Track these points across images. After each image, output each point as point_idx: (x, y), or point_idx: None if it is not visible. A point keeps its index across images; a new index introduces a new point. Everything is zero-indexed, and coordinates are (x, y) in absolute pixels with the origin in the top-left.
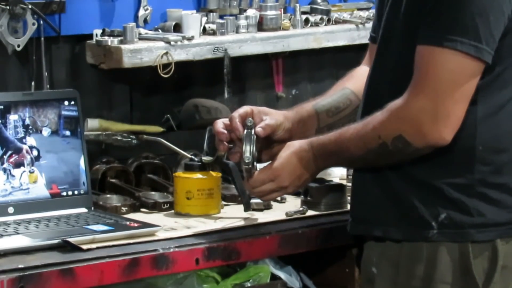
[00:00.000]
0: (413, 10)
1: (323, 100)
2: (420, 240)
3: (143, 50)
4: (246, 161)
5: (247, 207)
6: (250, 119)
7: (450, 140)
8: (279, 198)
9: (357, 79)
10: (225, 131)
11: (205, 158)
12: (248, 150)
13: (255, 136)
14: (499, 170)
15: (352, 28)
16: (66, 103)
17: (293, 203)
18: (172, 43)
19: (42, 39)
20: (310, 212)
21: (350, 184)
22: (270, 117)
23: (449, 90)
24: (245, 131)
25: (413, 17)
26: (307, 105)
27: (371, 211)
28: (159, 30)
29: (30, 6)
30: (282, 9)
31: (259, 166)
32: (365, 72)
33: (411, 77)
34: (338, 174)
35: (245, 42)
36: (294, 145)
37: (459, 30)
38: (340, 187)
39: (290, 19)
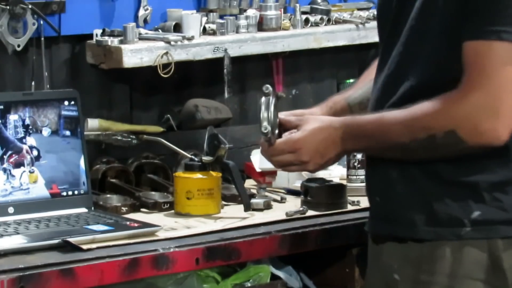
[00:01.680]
0: (450, 6)
1: (354, 92)
2: (452, 239)
3: (143, 50)
4: (264, 131)
5: (247, 207)
6: (267, 85)
7: (505, 141)
8: (279, 198)
9: None
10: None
11: (205, 158)
12: (266, 117)
13: (273, 102)
14: None
15: (352, 28)
16: (66, 103)
17: (293, 203)
18: (172, 43)
19: (42, 39)
20: (310, 212)
21: (350, 184)
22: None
23: (510, 87)
24: (262, 98)
25: (449, 13)
26: (339, 98)
27: (397, 211)
28: (159, 30)
29: (30, 6)
30: (282, 9)
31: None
32: None
33: (444, 72)
34: (338, 174)
35: (245, 42)
36: (323, 120)
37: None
38: (340, 187)
39: (290, 19)
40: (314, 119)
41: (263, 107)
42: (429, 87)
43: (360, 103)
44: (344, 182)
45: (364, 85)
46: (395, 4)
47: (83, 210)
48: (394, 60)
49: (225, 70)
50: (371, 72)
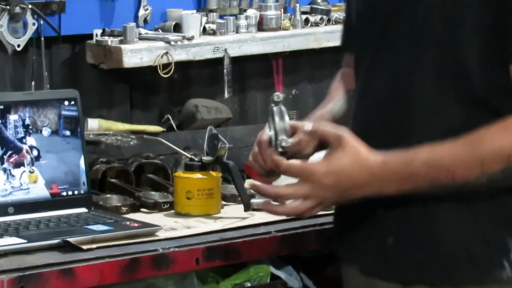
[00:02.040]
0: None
1: (335, 105)
2: (491, 282)
3: (143, 50)
4: (285, 145)
5: (247, 207)
6: (278, 93)
7: None
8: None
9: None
10: (255, 165)
11: (205, 158)
12: (283, 129)
13: (286, 111)
14: None
15: None
16: (66, 103)
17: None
18: (172, 43)
19: (42, 39)
20: None
21: None
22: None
23: None
24: (274, 107)
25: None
26: (323, 112)
27: (421, 253)
28: (159, 30)
29: (30, 6)
30: (282, 9)
31: None
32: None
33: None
34: None
35: (245, 42)
36: (359, 153)
37: None
38: None
39: (290, 19)
40: (343, 150)
41: (277, 118)
42: (466, 109)
43: (343, 116)
44: None
45: (341, 97)
46: (387, 8)
47: (83, 210)
48: (396, 80)
49: (225, 70)
50: (345, 82)
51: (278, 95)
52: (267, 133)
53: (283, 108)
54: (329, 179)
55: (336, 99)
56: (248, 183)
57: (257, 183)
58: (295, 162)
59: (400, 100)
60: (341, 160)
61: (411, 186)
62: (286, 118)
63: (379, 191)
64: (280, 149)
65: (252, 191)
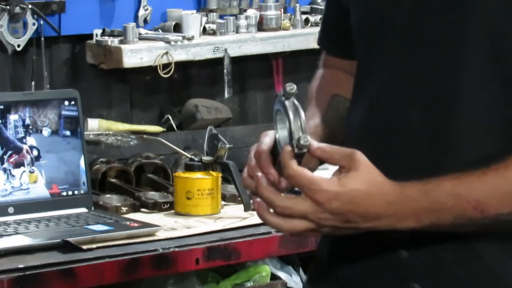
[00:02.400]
0: None
1: (325, 114)
2: None
3: (143, 50)
4: (304, 143)
5: (247, 207)
6: (290, 84)
7: None
8: None
9: (343, 85)
10: (252, 184)
11: (205, 158)
12: (299, 127)
13: (299, 106)
14: None
15: None
16: (66, 103)
17: None
18: (172, 43)
19: (42, 39)
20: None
21: None
22: None
23: None
24: (286, 101)
25: None
26: (316, 122)
27: None
28: (159, 30)
29: (30, 6)
30: (282, 9)
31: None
32: (344, 79)
33: None
34: None
35: (245, 42)
36: (374, 177)
37: None
38: None
39: (290, 19)
40: (361, 173)
41: (290, 113)
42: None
43: (335, 127)
44: None
45: (329, 104)
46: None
47: (83, 210)
48: (427, 93)
49: (225, 70)
50: (330, 86)
51: (291, 86)
52: (266, 142)
53: (296, 102)
54: (337, 203)
55: (321, 106)
56: None
57: (261, 179)
58: (305, 170)
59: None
60: (354, 184)
61: (431, 220)
62: (302, 113)
63: (394, 224)
64: (296, 150)
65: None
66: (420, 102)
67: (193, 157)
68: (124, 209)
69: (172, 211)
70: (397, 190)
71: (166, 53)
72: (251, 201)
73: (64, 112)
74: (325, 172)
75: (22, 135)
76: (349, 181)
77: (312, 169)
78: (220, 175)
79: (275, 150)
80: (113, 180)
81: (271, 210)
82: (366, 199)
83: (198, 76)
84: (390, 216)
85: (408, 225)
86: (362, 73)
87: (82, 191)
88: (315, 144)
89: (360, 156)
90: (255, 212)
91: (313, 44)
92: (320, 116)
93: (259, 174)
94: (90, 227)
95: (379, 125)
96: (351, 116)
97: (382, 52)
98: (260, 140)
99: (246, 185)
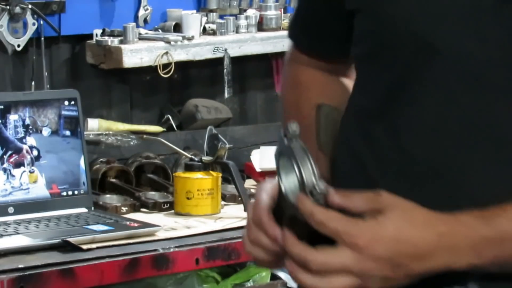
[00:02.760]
0: None
1: (317, 135)
2: None
3: (143, 50)
4: (319, 191)
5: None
6: (292, 123)
7: None
8: None
9: (327, 90)
10: (256, 250)
11: (205, 158)
12: (312, 173)
13: (307, 148)
14: None
15: None
16: (66, 103)
17: None
18: (172, 43)
19: (42, 39)
20: None
21: None
22: None
23: None
24: (291, 144)
25: None
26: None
27: None
28: (159, 30)
29: (30, 6)
30: (282, 9)
31: None
32: (326, 81)
33: None
34: None
35: (245, 42)
36: (413, 209)
37: None
38: None
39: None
40: (395, 209)
41: (298, 158)
42: None
43: (327, 145)
44: None
45: (317, 119)
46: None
47: (83, 210)
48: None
49: (225, 70)
50: (314, 95)
51: (295, 126)
52: (264, 200)
53: (302, 143)
54: (381, 246)
55: (308, 124)
56: (248, 183)
57: (286, 235)
58: (336, 213)
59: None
60: (396, 221)
61: (494, 254)
62: (310, 156)
63: (450, 262)
64: (314, 196)
65: (252, 191)
66: (487, 143)
67: (193, 157)
68: (124, 209)
69: (172, 211)
70: (449, 218)
71: (166, 53)
72: (251, 201)
73: (64, 112)
74: None
75: (22, 135)
76: (389, 220)
77: None
78: (220, 175)
79: (278, 206)
80: (113, 180)
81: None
82: (412, 233)
83: (198, 76)
84: (444, 250)
85: (466, 261)
86: (390, 96)
87: (82, 191)
88: (332, 191)
89: (388, 194)
90: None
91: None
92: (311, 143)
93: (277, 231)
94: (90, 227)
95: (437, 164)
96: (373, 147)
97: (430, 80)
98: (256, 197)
99: (251, 252)
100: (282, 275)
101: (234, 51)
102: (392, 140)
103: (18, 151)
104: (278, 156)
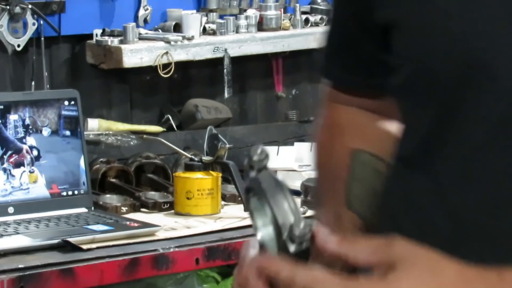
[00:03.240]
0: None
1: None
2: None
3: (143, 50)
4: (299, 233)
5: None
6: (256, 148)
7: None
8: None
9: (367, 133)
10: None
11: (205, 158)
12: (286, 209)
13: (281, 180)
14: None
15: None
16: (66, 103)
17: None
18: (172, 43)
19: (42, 39)
20: (311, 212)
21: None
22: None
23: None
24: (259, 175)
25: None
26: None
27: None
28: (159, 30)
29: (30, 6)
30: (282, 9)
31: None
32: (367, 122)
33: None
34: None
35: (245, 42)
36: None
37: None
38: None
39: (290, 19)
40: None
41: (268, 192)
42: None
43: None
44: None
45: (351, 170)
46: None
47: (83, 210)
48: None
49: (225, 70)
50: (349, 139)
51: (260, 151)
52: (252, 257)
53: (272, 173)
54: None
55: (340, 177)
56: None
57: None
58: (323, 273)
59: None
60: (409, 281)
61: None
62: (285, 187)
63: None
64: (294, 248)
65: None
66: None
67: (193, 157)
68: (124, 209)
69: (172, 211)
70: (491, 276)
71: (166, 53)
72: None
73: (64, 112)
74: None
75: (22, 135)
76: (403, 279)
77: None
78: (220, 175)
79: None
80: (113, 180)
81: None
82: None
83: (198, 76)
84: None
85: None
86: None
87: (82, 191)
88: (321, 231)
89: (404, 242)
90: None
91: (313, 44)
92: (339, 196)
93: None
94: (90, 227)
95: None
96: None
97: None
98: (241, 255)
99: None
100: None
101: (234, 51)
102: (435, 199)
103: (18, 151)
104: (247, 194)
